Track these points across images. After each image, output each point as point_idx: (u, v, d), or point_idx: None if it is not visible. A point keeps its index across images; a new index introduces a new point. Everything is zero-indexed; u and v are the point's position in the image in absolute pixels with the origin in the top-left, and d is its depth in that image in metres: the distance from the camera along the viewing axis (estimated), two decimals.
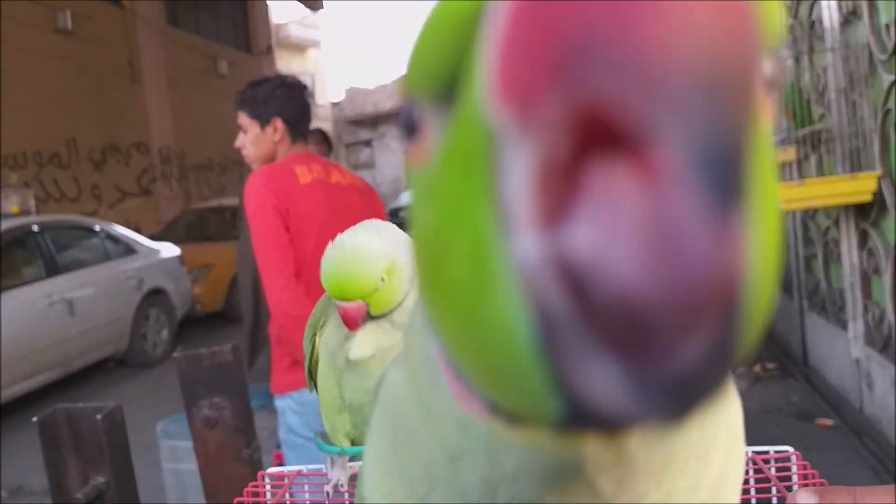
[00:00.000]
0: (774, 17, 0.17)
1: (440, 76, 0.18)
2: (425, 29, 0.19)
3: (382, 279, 0.67)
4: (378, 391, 0.35)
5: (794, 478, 0.67)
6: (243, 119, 2.23)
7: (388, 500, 0.30)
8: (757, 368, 4.37)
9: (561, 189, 0.15)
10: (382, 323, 0.70)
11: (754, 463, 0.70)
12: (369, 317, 0.70)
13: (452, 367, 0.23)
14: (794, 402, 3.84)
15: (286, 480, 0.73)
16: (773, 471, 0.69)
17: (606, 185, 0.15)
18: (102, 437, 1.05)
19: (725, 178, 0.14)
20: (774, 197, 0.19)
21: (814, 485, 0.67)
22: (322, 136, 4.67)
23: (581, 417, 0.17)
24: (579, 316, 0.15)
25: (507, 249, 0.16)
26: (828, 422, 3.49)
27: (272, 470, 0.76)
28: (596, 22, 0.14)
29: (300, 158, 2.20)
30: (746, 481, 0.70)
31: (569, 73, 0.14)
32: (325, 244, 0.75)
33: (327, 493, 0.70)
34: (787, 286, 4.63)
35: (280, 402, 2.12)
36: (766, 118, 0.18)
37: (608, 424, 0.16)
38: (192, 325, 7.83)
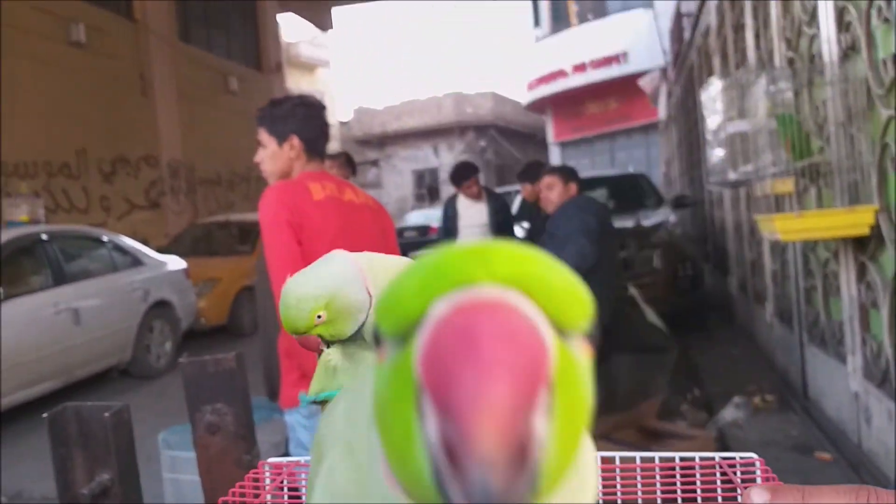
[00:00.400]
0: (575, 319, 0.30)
1: (397, 333, 0.30)
2: (392, 300, 0.31)
3: (319, 315, 0.70)
4: (325, 418, 0.46)
5: (759, 481, 0.71)
6: (262, 135, 2.30)
7: None
8: (756, 400, 4.37)
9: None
10: (353, 347, 0.73)
11: (720, 467, 0.75)
12: (328, 343, 0.73)
13: (388, 468, 0.34)
14: (793, 435, 3.84)
15: (285, 470, 0.77)
16: (738, 475, 0.73)
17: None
18: (109, 434, 1.09)
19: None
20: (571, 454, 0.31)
21: None
22: (347, 158, 4.79)
23: None
24: (452, 473, 0.27)
25: (422, 433, 0.28)
26: (826, 455, 3.49)
27: (272, 460, 0.80)
28: (459, 393, 0.26)
29: (315, 175, 2.26)
30: (714, 485, 0.74)
31: (440, 409, 0.27)
32: None
33: None
34: (787, 318, 4.65)
35: (289, 418, 2.14)
36: (576, 366, 0.30)
37: None
38: (196, 338, 7.87)
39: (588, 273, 3.74)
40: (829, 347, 3.76)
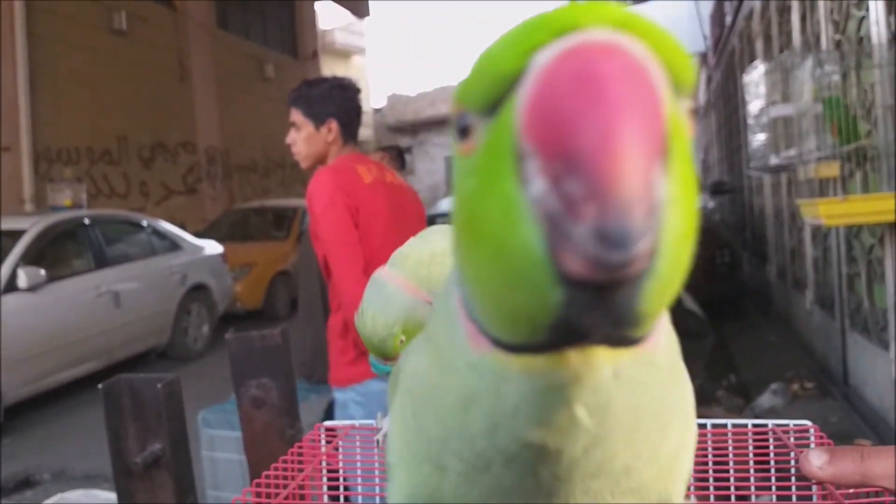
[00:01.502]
0: (686, 75, 0.28)
1: (489, 101, 0.28)
2: (483, 63, 0.29)
3: (401, 340, 0.72)
4: (399, 377, 0.44)
5: (812, 446, 0.71)
6: (297, 116, 2.26)
7: (409, 463, 0.38)
8: (795, 387, 4.31)
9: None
10: None
11: (774, 433, 0.74)
12: None
13: (470, 308, 0.32)
14: (833, 421, 3.78)
15: (339, 433, 0.78)
16: (791, 440, 0.72)
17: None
18: (161, 405, 1.11)
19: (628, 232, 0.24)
20: (689, 193, 0.27)
21: None
22: (399, 152, 4.76)
23: (573, 305, 0.25)
24: (568, 236, 0.25)
25: (526, 193, 0.26)
26: (866, 442, 3.43)
27: (328, 423, 0.81)
28: (577, 141, 0.24)
29: (358, 158, 2.26)
30: (767, 450, 0.73)
31: (556, 160, 0.25)
32: (389, 241, 0.76)
33: (377, 442, 0.74)
34: (828, 305, 4.56)
35: (342, 395, 2.14)
36: (686, 135, 0.28)
37: (593, 301, 0.25)
38: (232, 322, 7.97)
39: None
40: (871, 334, 3.69)
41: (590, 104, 0.24)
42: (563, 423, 0.30)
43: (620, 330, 0.27)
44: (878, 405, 3.61)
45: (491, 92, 0.28)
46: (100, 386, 1.09)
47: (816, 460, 0.56)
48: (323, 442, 0.79)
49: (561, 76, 0.25)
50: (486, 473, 0.34)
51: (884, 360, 3.44)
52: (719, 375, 4.42)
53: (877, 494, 0.59)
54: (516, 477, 0.33)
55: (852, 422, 3.73)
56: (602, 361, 0.28)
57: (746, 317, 6.53)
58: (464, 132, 0.30)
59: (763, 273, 7.42)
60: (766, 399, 4.09)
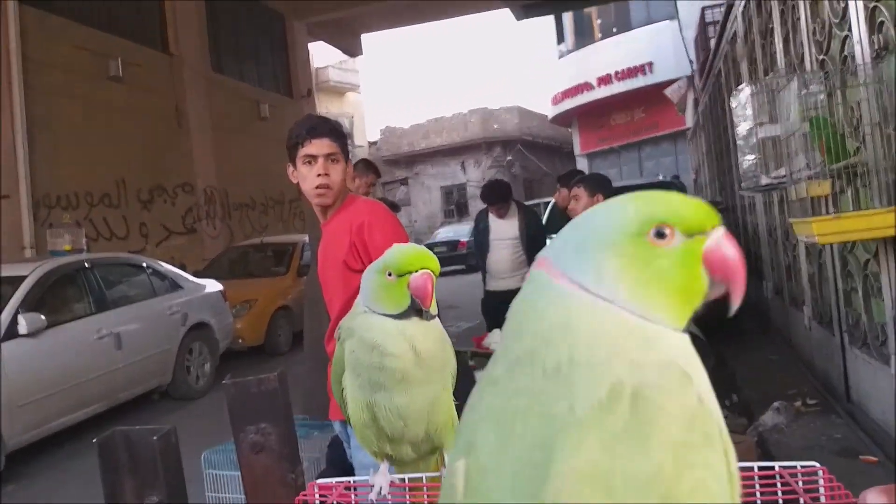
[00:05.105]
0: None
1: (691, 231, 0.56)
2: (690, 214, 0.55)
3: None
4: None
5: (822, 490, 0.70)
6: (335, 149, 2.16)
7: None
8: (798, 404, 4.29)
9: None
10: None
11: (781, 477, 0.73)
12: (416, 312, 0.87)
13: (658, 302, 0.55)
14: (837, 438, 3.77)
15: (334, 491, 0.79)
16: (800, 484, 0.71)
17: None
18: (158, 457, 1.12)
19: None
20: None
21: (839, 496, 0.69)
22: (376, 170, 4.76)
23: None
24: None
25: (704, 280, 0.59)
26: (872, 458, 3.41)
27: (321, 481, 0.82)
28: None
29: None
30: (774, 494, 0.72)
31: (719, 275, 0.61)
32: None
33: (371, 502, 0.75)
34: (826, 321, 4.56)
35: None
36: None
37: None
38: (234, 358, 7.97)
39: None
40: (871, 349, 3.69)
41: (737, 263, 0.55)
42: None
43: None
44: (881, 419, 3.60)
45: (695, 230, 0.54)
46: (94, 440, 1.10)
47: (874, 499, 0.53)
48: (317, 502, 0.79)
49: (724, 247, 0.55)
50: None
51: (885, 375, 3.44)
52: (721, 396, 4.33)
53: None
54: None
55: (857, 438, 3.71)
56: None
57: (745, 335, 6.51)
58: (660, 235, 0.53)
59: (759, 291, 7.42)
60: (769, 417, 4.07)
